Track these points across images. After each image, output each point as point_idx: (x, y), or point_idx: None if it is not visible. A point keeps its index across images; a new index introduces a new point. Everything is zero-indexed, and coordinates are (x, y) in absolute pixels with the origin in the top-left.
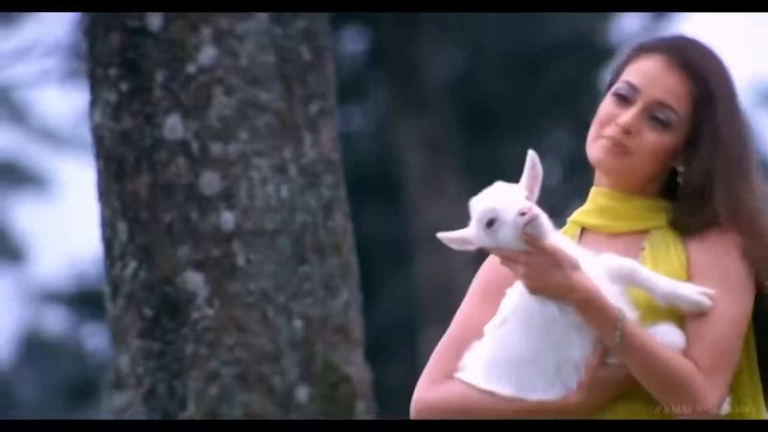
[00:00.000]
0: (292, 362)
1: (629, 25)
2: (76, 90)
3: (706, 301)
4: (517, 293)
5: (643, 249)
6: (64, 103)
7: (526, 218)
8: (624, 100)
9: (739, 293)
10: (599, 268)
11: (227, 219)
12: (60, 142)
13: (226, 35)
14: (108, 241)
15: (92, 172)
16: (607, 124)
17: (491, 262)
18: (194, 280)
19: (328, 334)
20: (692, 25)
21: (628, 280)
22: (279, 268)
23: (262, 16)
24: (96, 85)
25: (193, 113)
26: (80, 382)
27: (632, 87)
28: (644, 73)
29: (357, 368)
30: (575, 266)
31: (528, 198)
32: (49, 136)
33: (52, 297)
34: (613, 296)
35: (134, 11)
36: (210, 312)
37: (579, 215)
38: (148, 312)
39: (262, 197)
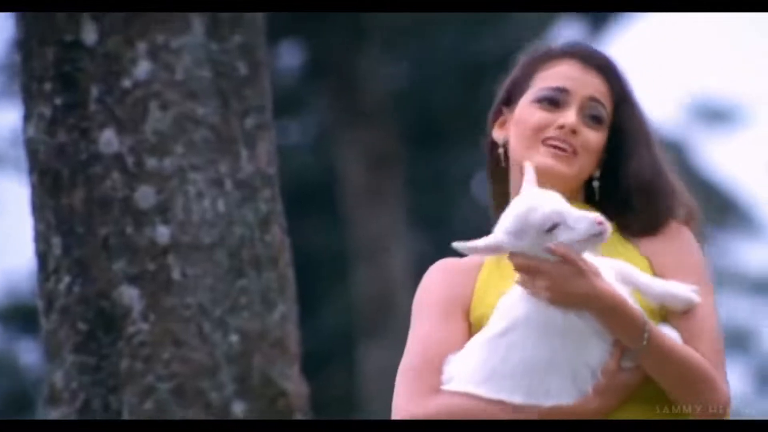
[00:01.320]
0: (228, 377)
1: (565, 37)
2: (12, 106)
3: (697, 298)
4: (522, 302)
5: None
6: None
7: (601, 228)
8: (554, 104)
9: (709, 282)
10: (608, 270)
11: (163, 233)
12: None
13: (162, 50)
14: (42, 256)
15: (26, 186)
16: (542, 130)
17: (442, 279)
18: (130, 294)
19: (265, 348)
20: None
21: (626, 282)
22: (215, 281)
23: (199, 31)
24: (30, 99)
25: (129, 127)
26: (14, 396)
27: (560, 90)
28: (567, 75)
29: (294, 382)
30: (597, 273)
31: None
32: None
33: None
34: (627, 297)
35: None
36: (145, 326)
37: None
38: (82, 326)
39: (198, 211)
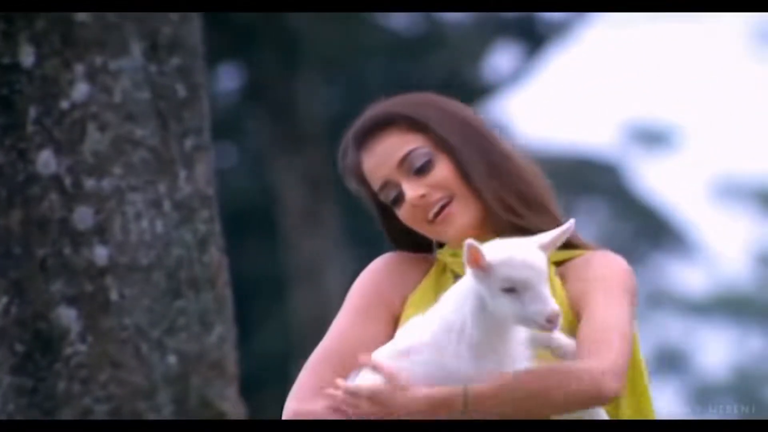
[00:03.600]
0: (166, 398)
1: (501, 62)
2: None
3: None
4: (427, 328)
5: None
6: None
7: (550, 326)
8: (395, 196)
9: (616, 290)
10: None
11: (101, 254)
12: None
13: (100, 72)
14: None
15: None
16: (415, 219)
17: (379, 274)
18: (67, 316)
19: (203, 370)
20: (564, 63)
21: (537, 343)
22: (153, 303)
23: (137, 53)
24: None
25: (67, 148)
26: None
27: (384, 186)
28: (373, 168)
29: (232, 404)
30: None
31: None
32: None
33: None
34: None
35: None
36: (83, 348)
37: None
38: (20, 348)
39: (137, 232)
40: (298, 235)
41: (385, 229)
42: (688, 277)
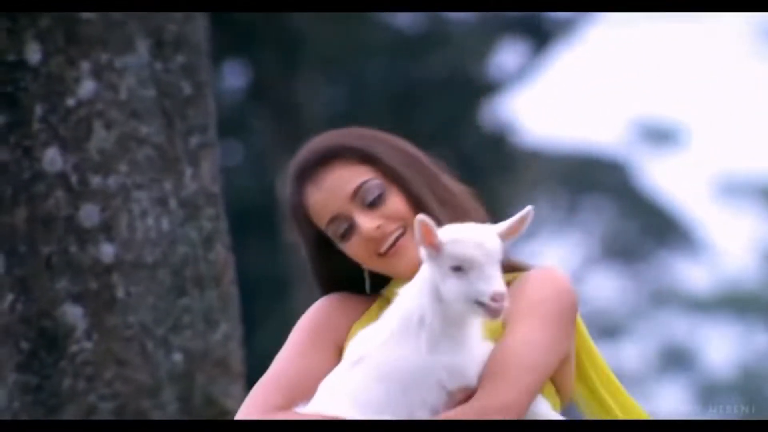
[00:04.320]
0: (171, 396)
1: (507, 60)
2: None
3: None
4: (367, 341)
5: None
6: None
7: (493, 305)
8: (347, 232)
9: (541, 315)
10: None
11: (107, 251)
12: None
13: (106, 69)
14: None
15: None
16: (366, 252)
17: (324, 309)
18: (73, 313)
19: (208, 368)
20: (570, 61)
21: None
22: (158, 300)
23: (142, 51)
24: None
25: (73, 146)
26: None
27: (333, 220)
28: (318, 206)
29: (237, 401)
30: None
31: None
32: None
33: None
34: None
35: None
36: (89, 345)
37: None
38: (25, 345)
39: (142, 229)
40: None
41: (319, 270)
42: (694, 275)
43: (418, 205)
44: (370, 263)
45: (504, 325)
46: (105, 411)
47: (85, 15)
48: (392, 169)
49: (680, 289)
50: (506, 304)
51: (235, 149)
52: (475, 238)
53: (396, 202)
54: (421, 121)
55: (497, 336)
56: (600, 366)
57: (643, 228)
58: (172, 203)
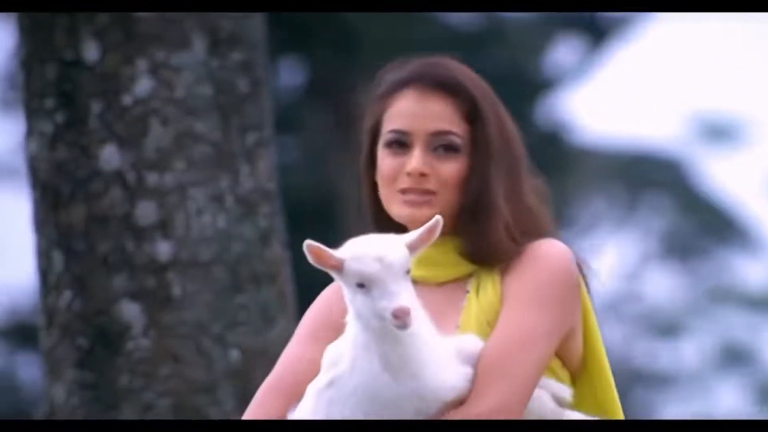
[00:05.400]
0: (227, 393)
1: (563, 57)
2: (12, 120)
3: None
4: (346, 359)
5: (468, 292)
6: (0, 132)
7: (397, 322)
8: (402, 146)
9: (542, 303)
10: (452, 349)
11: (163, 249)
12: None
13: (162, 67)
14: (43, 272)
15: (26, 202)
16: (395, 179)
17: (327, 300)
18: (129, 311)
19: (265, 365)
20: (628, 56)
21: (466, 361)
22: (215, 298)
23: (199, 48)
24: (31, 116)
25: (129, 144)
26: (13, 414)
27: (400, 132)
28: (404, 113)
29: None
30: None
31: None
32: None
33: None
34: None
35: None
36: (145, 343)
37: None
38: (82, 343)
39: (198, 227)
40: (358, 231)
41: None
42: (753, 273)
43: (479, 190)
44: (385, 187)
45: (501, 304)
46: (161, 408)
47: (142, 13)
48: (486, 146)
49: (738, 287)
50: (410, 320)
51: (291, 146)
52: (374, 252)
53: (455, 169)
54: None
55: (493, 320)
56: (597, 351)
57: (702, 226)
58: (228, 201)
